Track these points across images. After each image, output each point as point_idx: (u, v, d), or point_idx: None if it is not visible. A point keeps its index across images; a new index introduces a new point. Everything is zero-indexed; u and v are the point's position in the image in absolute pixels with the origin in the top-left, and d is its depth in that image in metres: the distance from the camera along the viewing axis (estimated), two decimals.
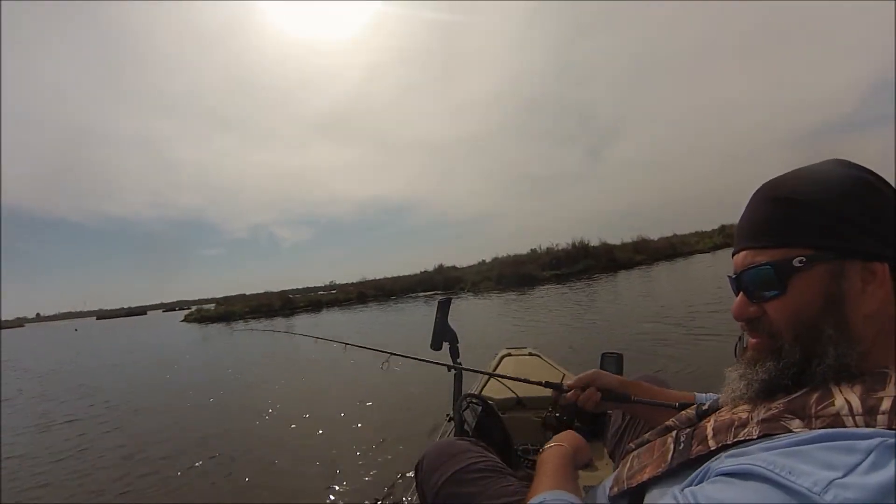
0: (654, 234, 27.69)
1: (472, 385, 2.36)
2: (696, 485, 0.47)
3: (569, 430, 0.91)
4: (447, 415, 1.81)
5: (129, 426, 5.18)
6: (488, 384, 2.32)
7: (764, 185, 0.56)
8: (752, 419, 0.50)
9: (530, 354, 2.83)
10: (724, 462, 0.45)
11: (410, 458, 2.99)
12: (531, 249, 25.83)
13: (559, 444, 0.83)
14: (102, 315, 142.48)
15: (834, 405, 0.43)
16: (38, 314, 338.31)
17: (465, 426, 1.55)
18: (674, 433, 0.62)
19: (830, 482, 0.35)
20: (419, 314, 14.90)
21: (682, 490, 0.46)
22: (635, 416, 1.06)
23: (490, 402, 1.58)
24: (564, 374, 2.28)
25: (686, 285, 12.39)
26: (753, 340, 0.56)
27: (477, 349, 5.75)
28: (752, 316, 0.55)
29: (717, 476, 0.44)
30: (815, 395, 0.46)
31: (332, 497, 2.85)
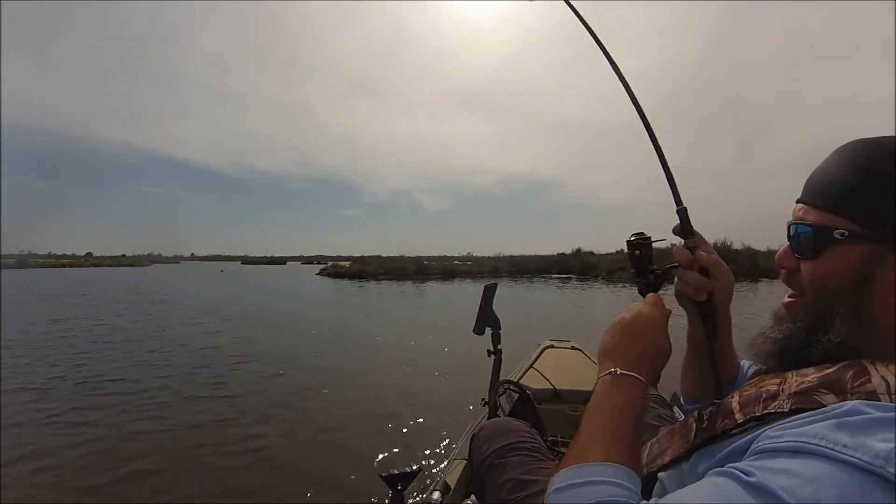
0: None
1: (510, 372, 2.39)
2: (734, 461, 0.41)
3: (649, 327, 0.59)
4: (483, 399, 1.83)
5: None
6: (527, 373, 2.35)
7: (852, 144, 0.51)
8: (782, 391, 0.46)
9: (573, 348, 2.83)
10: (768, 437, 0.40)
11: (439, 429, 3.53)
12: (671, 244, 25.79)
13: (632, 376, 0.55)
14: (247, 261, 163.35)
15: (871, 382, 0.40)
16: (192, 254, 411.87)
17: (499, 411, 1.57)
18: (695, 413, 0.59)
19: (892, 451, 0.32)
20: (549, 298, 15.78)
21: (721, 466, 0.40)
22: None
23: (528, 391, 1.59)
24: None
25: None
26: (787, 296, 0.56)
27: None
28: (789, 268, 0.55)
29: (763, 452, 0.39)
30: (850, 371, 0.43)
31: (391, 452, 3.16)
